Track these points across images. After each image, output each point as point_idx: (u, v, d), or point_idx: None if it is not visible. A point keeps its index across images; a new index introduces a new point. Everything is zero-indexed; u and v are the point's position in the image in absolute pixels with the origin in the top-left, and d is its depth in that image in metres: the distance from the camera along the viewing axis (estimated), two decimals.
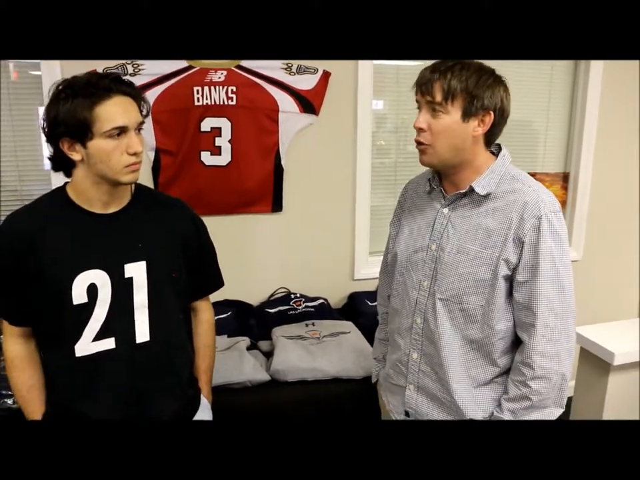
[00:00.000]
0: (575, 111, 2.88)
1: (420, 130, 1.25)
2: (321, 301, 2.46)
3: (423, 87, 1.23)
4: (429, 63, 1.26)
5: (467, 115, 1.20)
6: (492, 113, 1.21)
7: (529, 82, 2.77)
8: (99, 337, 1.27)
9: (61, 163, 1.25)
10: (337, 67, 2.37)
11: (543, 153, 2.92)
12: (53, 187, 2.11)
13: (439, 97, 1.20)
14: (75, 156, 1.20)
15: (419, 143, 1.27)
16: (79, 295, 1.24)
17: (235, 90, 2.24)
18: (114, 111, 1.17)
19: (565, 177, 2.95)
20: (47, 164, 2.14)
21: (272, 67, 2.28)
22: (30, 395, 1.31)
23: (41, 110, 2.16)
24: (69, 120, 1.15)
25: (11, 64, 2.11)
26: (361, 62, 2.39)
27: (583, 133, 2.85)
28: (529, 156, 2.89)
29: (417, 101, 1.27)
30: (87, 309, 1.26)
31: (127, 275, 1.28)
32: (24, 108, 2.16)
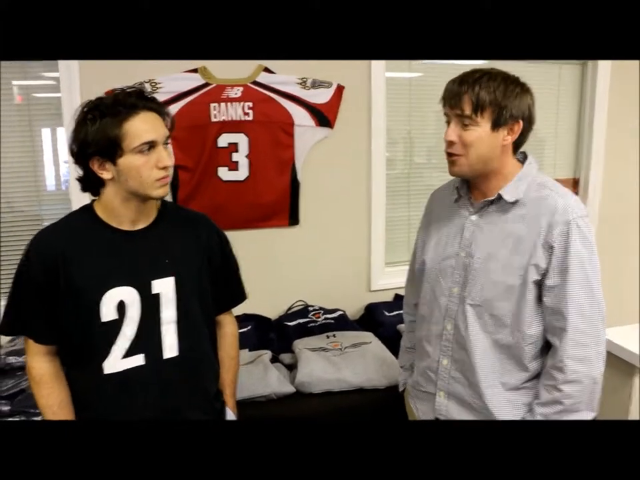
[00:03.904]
0: (584, 117, 2.92)
1: (450, 142, 1.27)
2: (340, 312, 2.47)
3: (451, 100, 1.25)
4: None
5: (496, 125, 1.22)
6: (521, 121, 1.23)
7: (537, 88, 2.76)
8: (128, 353, 1.28)
9: (90, 182, 1.27)
10: (350, 80, 2.41)
11: (553, 160, 2.95)
12: (73, 207, 2.19)
13: (468, 110, 1.22)
14: (106, 175, 1.22)
15: (449, 155, 1.29)
16: (108, 312, 1.26)
17: (251, 106, 2.28)
18: (142, 127, 1.20)
19: (576, 183, 2.98)
20: (51, 185, 2.23)
21: (287, 82, 2.32)
22: (62, 411, 1.30)
23: (46, 132, 2.21)
24: (99, 139, 1.18)
25: (15, 87, 2.14)
26: (373, 75, 2.43)
27: (592, 138, 2.89)
28: (539, 163, 2.91)
29: (446, 114, 1.29)
30: (116, 326, 1.27)
31: (154, 291, 1.30)
32: (26, 129, 2.19)
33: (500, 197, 1.28)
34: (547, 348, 1.30)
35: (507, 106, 1.21)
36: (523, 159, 1.34)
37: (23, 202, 2.24)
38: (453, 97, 1.24)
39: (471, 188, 1.36)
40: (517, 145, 1.28)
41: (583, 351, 1.22)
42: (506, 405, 1.32)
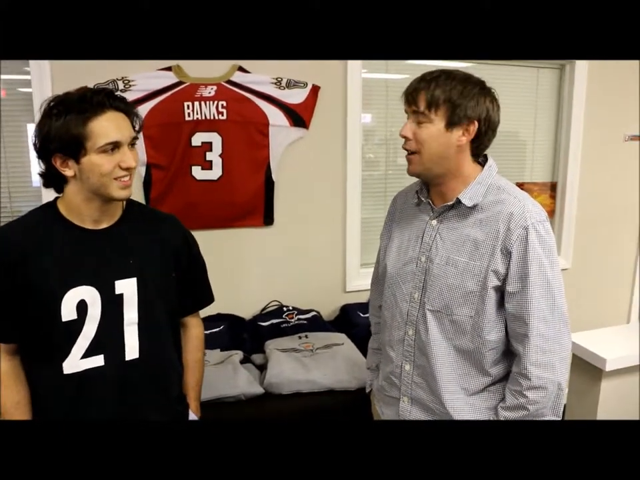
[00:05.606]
0: (561, 121, 2.93)
1: (405, 138, 1.27)
2: (314, 313, 2.47)
3: (409, 96, 1.26)
4: (416, 75, 1.29)
5: (450, 124, 1.22)
6: (476, 122, 1.23)
7: (516, 93, 2.82)
8: (88, 354, 1.26)
9: (53, 179, 1.25)
10: (326, 81, 2.40)
11: (531, 163, 2.96)
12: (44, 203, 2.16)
13: (422, 107, 1.22)
14: (68, 172, 1.21)
15: (407, 153, 1.29)
16: (68, 312, 1.24)
17: (225, 105, 2.26)
18: (107, 127, 1.18)
19: (553, 186, 2.99)
20: (36, 181, 2.19)
21: (262, 82, 2.30)
22: (17, 411, 1.28)
23: (31, 127, 2.18)
24: (62, 136, 1.16)
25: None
26: (349, 75, 2.42)
27: (569, 142, 2.90)
28: (517, 166, 2.93)
29: (406, 111, 1.29)
30: (76, 326, 1.25)
31: (117, 292, 1.28)
32: (13, 125, 2.16)
33: (459, 201, 1.28)
34: (508, 352, 1.30)
35: (462, 105, 1.21)
36: (484, 162, 1.34)
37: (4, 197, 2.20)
38: (410, 93, 1.25)
39: (431, 192, 1.36)
40: (476, 147, 1.27)
41: (545, 357, 1.21)
42: (467, 410, 1.32)
